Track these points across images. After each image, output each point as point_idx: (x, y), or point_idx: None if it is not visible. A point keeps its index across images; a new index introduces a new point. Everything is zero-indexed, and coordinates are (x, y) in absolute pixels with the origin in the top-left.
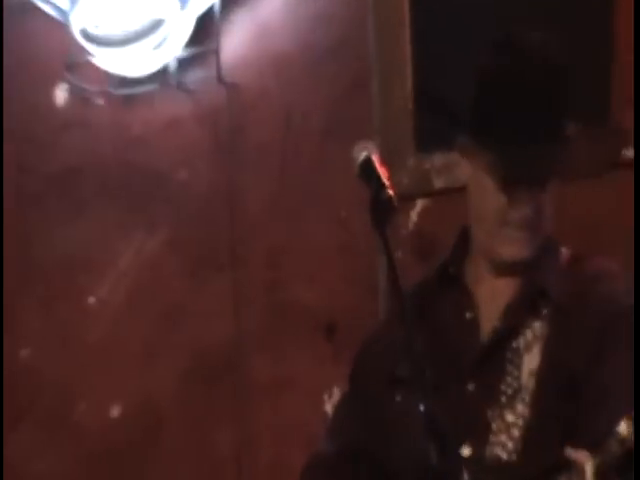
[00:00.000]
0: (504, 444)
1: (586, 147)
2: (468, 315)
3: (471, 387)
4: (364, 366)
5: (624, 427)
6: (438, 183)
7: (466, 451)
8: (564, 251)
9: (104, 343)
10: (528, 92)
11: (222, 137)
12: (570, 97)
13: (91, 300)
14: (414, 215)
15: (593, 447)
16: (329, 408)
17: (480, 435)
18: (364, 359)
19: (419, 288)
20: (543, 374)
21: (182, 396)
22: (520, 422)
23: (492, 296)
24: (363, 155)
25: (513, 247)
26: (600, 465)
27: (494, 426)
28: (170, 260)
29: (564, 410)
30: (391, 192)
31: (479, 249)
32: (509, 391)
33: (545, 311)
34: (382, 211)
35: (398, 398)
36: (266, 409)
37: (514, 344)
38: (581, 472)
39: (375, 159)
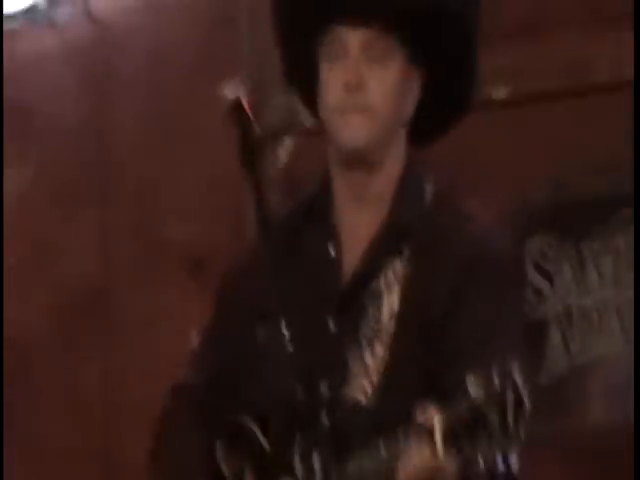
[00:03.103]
0: (363, 387)
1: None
2: (331, 253)
3: (332, 327)
4: (228, 296)
5: (474, 387)
6: (308, 122)
7: (324, 390)
8: (428, 188)
9: None
10: None
11: (91, 73)
12: None
13: None
14: (284, 154)
15: (443, 404)
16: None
17: (339, 376)
18: (228, 289)
19: (284, 223)
20: (402, 317)
21: (51, 331)
22: (380, 366)
23: (356, 231)
24: (232, 95)
25: (350, 130)
26: (449, 426)
27: (353, 368)
28: (38, 195)
29: (423, 355)
30: (259, 131)
31: (331, 156)
32: (369, 333)
33: (407, 251)
34: (250, 150)
35: (262, 332)
36: (134, 346)
37: (374, 285)
38: (430, 433)
39: (243, 99)
